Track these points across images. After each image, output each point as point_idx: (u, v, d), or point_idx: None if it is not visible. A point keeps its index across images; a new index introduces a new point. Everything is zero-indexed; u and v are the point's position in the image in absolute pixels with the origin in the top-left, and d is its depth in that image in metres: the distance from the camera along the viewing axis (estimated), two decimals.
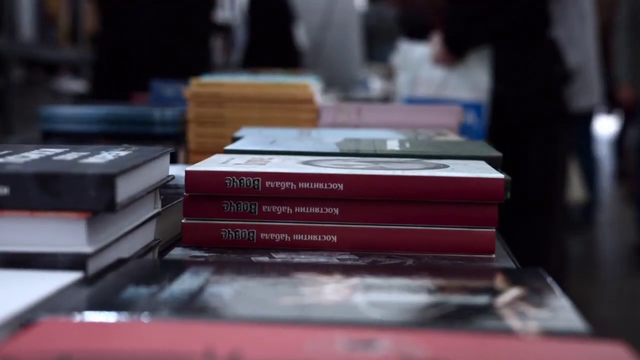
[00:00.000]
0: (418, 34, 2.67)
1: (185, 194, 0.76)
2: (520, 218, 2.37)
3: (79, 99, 3.92)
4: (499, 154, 0.86)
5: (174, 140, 1.43)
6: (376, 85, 4.30)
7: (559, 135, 2.56)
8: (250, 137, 1.01)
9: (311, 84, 1.37)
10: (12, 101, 3.16)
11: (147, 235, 0.72)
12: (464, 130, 2.25)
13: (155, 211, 0.74)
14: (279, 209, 0.75)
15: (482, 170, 0.75)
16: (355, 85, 4.50)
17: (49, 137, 1.44)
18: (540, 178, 2.45)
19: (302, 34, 5.46)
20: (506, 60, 2.34)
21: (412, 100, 2.27)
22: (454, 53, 2.30)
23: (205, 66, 3.00)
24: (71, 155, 0.68)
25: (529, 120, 2.38)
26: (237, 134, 1.09)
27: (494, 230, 0.73)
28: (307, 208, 0.75)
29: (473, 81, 2.32)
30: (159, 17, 2.99)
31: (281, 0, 5.41)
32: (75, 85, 3.88)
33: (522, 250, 2.41)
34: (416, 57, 2.35)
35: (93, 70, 3.36)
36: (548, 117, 2.43)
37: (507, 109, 2.33)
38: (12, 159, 0.65)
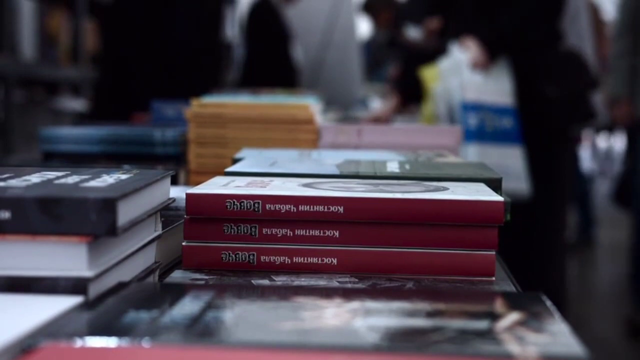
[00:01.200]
0: (415, 59, 2.69)
1: (185, 216, 0.76)
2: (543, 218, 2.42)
3: (79, 118, 3.93)
4: (498, 175, 0.86)
5: (175, 160, 1.43)
6: (376, 104, 4.31)
7: (576, 140, 2.63)
8: (250, 159, 1.02)
9: (311, 105, 1.37)
10: (13, 120, 3.17)
11: (147, 258, 0.72)
12: (501, 134, 2.29)
13: (155, 234, 0.74)
14: (279, 231, 0.76)
15: (482, 193, 0.75)
16: (355, 104, 4.51)
17: (50, 158, 1.44)
18: (567, 179, 2.52)
19: (299, 53, 5.48)
20: (547, 64, 2.40)
21: (466, 106, 2.29)
22: (491, 57, 2.33)
23: (210, 83, 3.01)
24: (72, 179, 0.68)
25: (567, 123, 2.45)
26: (238, 155, 1.09)
27: (493, 253, 0.74)
28: (308, 230, 0.75)
29: (503, 86, 2.35)
30: (163, 36, 3.00)
31: (278, 19, 5.43)
32: (75, 104, 3.89)
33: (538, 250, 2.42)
34: (461, 62, 2.37)
35: (94, 90, 3.38)
36: (581, 120, 2.51)
37: (549, 112, 2.39)
38: (13, 182, 0.65)
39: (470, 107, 2.30)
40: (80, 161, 1.42)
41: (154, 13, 3.03)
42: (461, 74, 2.32)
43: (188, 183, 1.34)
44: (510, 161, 2.34)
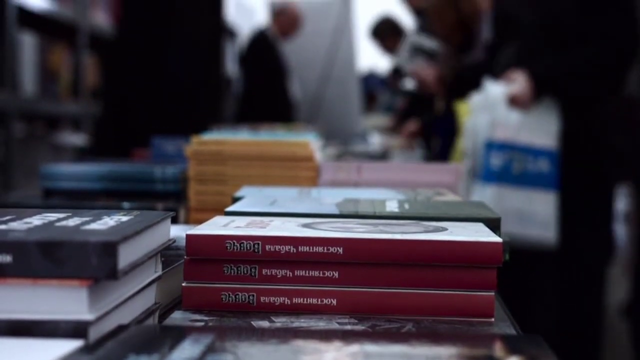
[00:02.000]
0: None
1: (185, 257, 0.77)
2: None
3: (80, 152, 3.94)
4: (497, 215, 0.87)
5: (175, 197, 1.44)
6: (375, 139, 4.33)
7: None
8: (250, 198, 1.02)
9: (311, 142, 1.38)
10: (13, 155, 3.18)
11: (147, 300, 0.72)
12: (533, 177, 2.20)
13: (155, 275, 0.74)
14: (279, 272, 0.76)
15: (481, 234, 0.76)
16: (354, 138, 4.53)
17: (50, 195, 1.44)
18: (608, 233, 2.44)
19: (296, 88, 5.51)
20: (610, 113, 2.29)
21: (491, 145, 2.22)
22: (538, 94, 2.22)
23: (210, 119, 3.03)
24: (73, 221, 0.69)
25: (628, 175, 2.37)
26: (238, 193, 1.10)
27: (492, 294, 0.74)
28: (307, 271, 0.76)
29: (547, 126, 2.24)
30: (163, 71, 3.02)
31: (275, 54, 5.47)
32: (76, 139, 3.90)
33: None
34: (494, 97, 2.26)
35: (95, 125, 3.40)
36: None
37: (609, 162, 2.29)
38: (15, 225, 0.66)
39: (497, 146, 2.21)
40: (80, 198, 1.43)
41: (154, 48, 3.06)
42: (494, 110, 2.22)
43: (188, 220, 1.35)
44: (540, 207, 2.23)
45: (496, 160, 2.22)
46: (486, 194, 2.18)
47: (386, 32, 6.04)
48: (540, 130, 2.23)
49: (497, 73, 2.42)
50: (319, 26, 6.06)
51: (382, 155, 2.67)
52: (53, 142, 3.78)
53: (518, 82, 2.23)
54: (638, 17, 2.27)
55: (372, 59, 8.01)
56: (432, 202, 0.99)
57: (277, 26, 5.62)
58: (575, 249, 2.31)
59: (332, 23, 6.03)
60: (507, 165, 2.21)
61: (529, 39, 2.37)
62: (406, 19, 5.83)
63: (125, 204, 1.32)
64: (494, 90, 2.24)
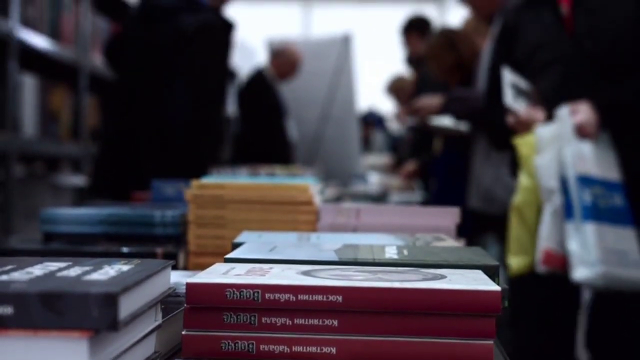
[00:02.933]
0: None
1: (185, 305, 0.77)
2: None
3: (79, 193, 3.95)
4: (495, 263, 0.87)
5: (175, 241, 1.44)
6: (374, 179, 4.34)
7: None
8: (250, 244, 1.03)
9: (310, 186, 1.39)
10: (13, 196, 3.19)
11: (147, 349, 0.72)
12: (615, 213, 2.05)
13: (155, 324, 0.74)
14: (279, 320, 0.76)
15: (479, 282, 0.76)
16: (353, 178, 4.54)
17: (51, 239, 1.45)
18: None
19: (293, 128, 5.53)
20: None
21: (584, 179, 2.06)
22: (604, 125, 2.11)
23: (211, 160, 3.05)
24: (74, 271, 0.69)
25: None
26: (238, 239, 1.10)
27: (491, 342, 0.74)
28: (307, 320, 0.76)
29: (609, 158, 2.13)
30: (163, 112, 3.04)
31: (273, 94, 5.50)
32: (76, 180, 3.91)
33: None
34: (566, 130, 2.12)
35: (94, 165, 3.41)
36: None
37: None
38: (16, 275, 0.66)
39: (586, 181, 2.07)
40: (81, 242, 1.43)
41: (155, 90, 3.09)
42: (572, 143, 2.09)
43: (187, 264, 1.35)
44: (627, 245, 2.08)
45: (587, 196, 2.08)
46: (587, 234, 2.05)
47: (400, 89, 6.16)
48: (607, 162, 2.12)
49: (543, 102, 2.32)
50: (319, 65, 6.10)
51: (382, 197, 2.68)
52: (53, 182, 3.79)
53: (583, 112, 2.12)
54: None
55: (372, 97, 8.07)
56: (431, 248, 1.00)
57: (275, 67, 5.66)
58: None
59: (333, 62, 6.07)
60: (595, 201, 2.08)
61: (575, 66, 2.27)
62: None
63: (125, 249, 1.33)
64: (567, 122, 2.12)
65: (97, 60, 4.11)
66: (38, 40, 3.39)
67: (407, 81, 6.19)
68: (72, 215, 1.46)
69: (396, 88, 6.30)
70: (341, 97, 6.06)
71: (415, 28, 4.88)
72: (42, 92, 3.52)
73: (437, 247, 1.01)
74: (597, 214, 2.06)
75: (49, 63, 3.67)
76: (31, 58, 3.43)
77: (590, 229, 2.05)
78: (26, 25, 3.31)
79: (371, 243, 1.04)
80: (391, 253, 0.94)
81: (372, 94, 7.84)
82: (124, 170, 3.11)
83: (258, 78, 5.65)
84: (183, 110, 3.01)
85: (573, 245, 2.05)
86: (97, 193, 3.44)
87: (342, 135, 6.03)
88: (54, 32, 3.60)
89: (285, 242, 1.06)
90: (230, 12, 3.45)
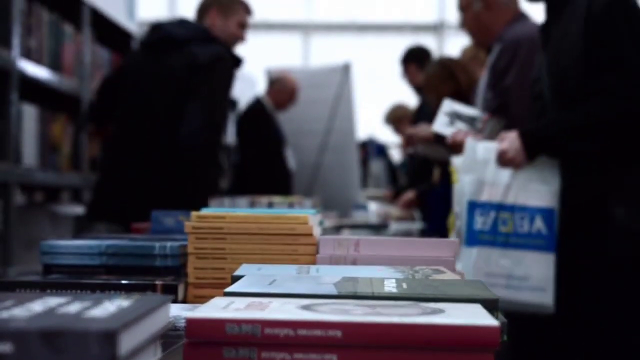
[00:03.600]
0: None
1: (185, 340, 0.77)
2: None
3: (78, 222, 3.95)
4: (495, 296, 0.87)
5: (175, 272, 1.44)
6: (373, 208, 4.35)
7: None
8: (249, 277, 1.03)
9: (310, 217, 1.39)
10: (12, 226, 3.19)
11: None
12: (530, 239, 2.11)
13: (155, 359, 0.74)
14: (278, 355, 0.76)
15: (478, 317, 0.76)
16: (353, 208, 4.54)
17: (50, 271, 1.45)
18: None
19: (292, 157, 5.54)
20: (630, 185, 2.20)
21: (474, 204, 2.15)
22: (532, 153, 2.18)
23: (211, 189, 3.06)
24: (74, 307, 0.69)
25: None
26: (237, 272, 1.10)
27: None
28: (306, 354, 0.76)
29: (544, 186, 2.19)
30: (164, 141, 3.06)
31: (271, 124, 5.51)
32: (76, 209, 3.91)
33: None
34: (481, 157, 2.23)
35: (92, 192, 3.43)
36: None
37: (626, 242, 2.16)
38: (16, 312, 0.67)
39: (481, 207, 2.17)
40: (80, 274, 1.43)
41: (165, 117, 3.12)
42: (483, 170, 2.18)
43: (187, 296, 1.35)
44: (535, 270, 2.16)
45: (480, 222, 2.18)
46: (472, 257, 2.14)
47: (399, 118, 6.20)
48: (538, 189, 2.19)
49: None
50: (319, 94, 6.13)
51: (382, 226, 2.68)
52: (52, 211, 3.79)
53: (508, 140, 2.22)
54: None
55: (372, 126, 8.09)
56: (430, 282, 1.00)
57: (272, 96, 5.68)
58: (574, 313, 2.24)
59: (332, 91, 6.10)
60: (494, 227, 2.17)
61: (545, 101, 2.36)
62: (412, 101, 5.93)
63: (125, 281, 1.33)
64: (481, 150, 2.22)
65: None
66: (39, 71, 3.41)
67: (406, 111, 6.23)
68: (72, 247, 1.46)
69: (394, 118, 6.34)
70: (340, 126, 6.07)
71: (414, 59, 4.91)
72: (42, 122, 3.53)
73: (436, 280, 1.02)
74: (490, 239, 2.14)
75: (50, 93, 3.69)
76: (32, 88, 3.44)
77: (473, 253, 2.14)
78: (27, 55, 3.33)
79: (370, 276, 1.05)
80: (390, 286, 0.94)
81: (371, 122, 7.86)
82: (126, 196, 3.12)
83: (257, 107, 5.67)
84: (193, 136, 3.06)
85: (459, 267, 2.10)
86: (94, 218, 3.46)
87: (342, 164, 6.04)
88: (54, 63, 3.62)
89: (285, 275, 1.06)
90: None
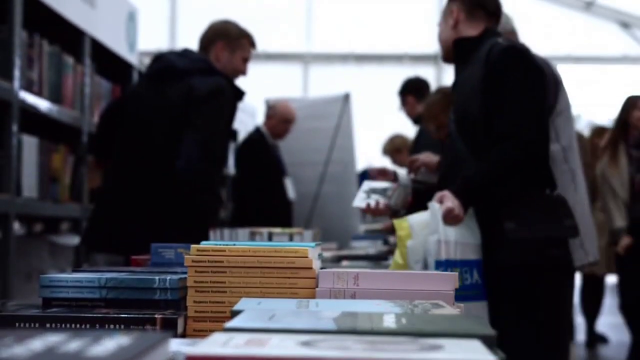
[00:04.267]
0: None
1: None
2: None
3: (77, 252, 3.95)
4: (493, 332, 0.88)
5: (174, 305, 1.44)
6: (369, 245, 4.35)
7: (563, 285, 2.59)
8: (249, 312, 1.03)
9: (310, 250, 1.40)
10: (11, 258, 3.19)
11: None
12: (466, 290, 2.22)
13: None
14: None
15: (476, 353, 0.76)
16: (353, 238, 4.54)
17: (50, 304, 1.45)
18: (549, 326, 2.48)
19: (291, 187, 5.54)
20: (519, 204, 2.41)
21: (439, 263, 2.23)
22: (466, 207, 2.33)
23: (210, 220, 3.06)
24: (74, 345, 0.70)
25: (537, 265, 2.43)
26: (237, 306, 1.10)
27: None
28: None
29: (472, 239, 2.34)
30: (165, 171, 3.06)
31: (270, 153, 5.52)
32: (75, 240, 3.91)
33: None
34: (439, 218, 2.34)
35: (88, 221, 3.43)
36: (556, 265, 2.48)
37: (516, 250, 2.37)
38: (17, 350, 0.67)
39: (443, 264, 2.26)
40: (80, 307, 1.43)
41: (164, 145, 3.13)
42: (441, 230, 2.30)
43: (186, 330, 1.35)
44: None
45: None
46: None
47: (397, 149, 6.23)
48: (472, 243, 2.34)
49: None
50: (319, 124, 6.15)
51: (382, 257, 2.68)
52: (52, 242, 3.79)
53: (448, 199, 2.34)
54: (543, 112, 2.46)
55: (369, 156, 8.11)
56: (429, 317, 1.00)
57: (268, 126, 5.71)
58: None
59: (332, 121, 6.11)
60: None
61: (452, 134, 2.60)
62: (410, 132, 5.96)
63: (124, 314, 1.33)
64: (436, 214, 2.32)
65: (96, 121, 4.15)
66: (39, 102, 3.42)
67: (405, 141, 6.24)
68: (72, 280, 1.46)
69: (393, 148, 6.36)
70: (340, 156, 6.08)
71: (413, 91, 4.93)
72: (42, 153, 3.54)
73: (435, 316, 1.02)
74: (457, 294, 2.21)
75: (50, 124, 3.70)
76: (32, 120, 3.46)
77: None
78: (28, 87, 3.35)
79: (370, 310, 1.05)
80: (389, 322, 0.94)
81: (370, 152, 7.88)
82: (124, 227, 3.11)
83: (256, 137, 5.70)
84: (189, 167, 3.06)
85: None
86: (93, 249, 3.46)
87: (341, 195, 6.04)
88: (55, 94, 3.63)
89: (285, 310, 1.06)
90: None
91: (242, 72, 3.50)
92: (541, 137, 2.41)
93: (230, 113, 3.28)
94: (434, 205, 2.32)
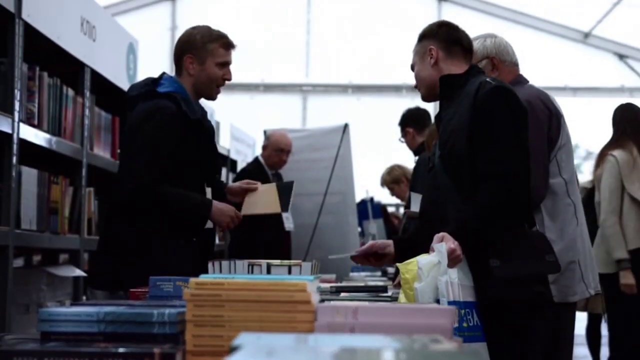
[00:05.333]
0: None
1: None
2: None
3: (75, 284, 3.94)
4: None
5: (173, 339, 1.44)
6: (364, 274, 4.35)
7: (557, 319, 2.60)
8: (248, 348, 1.03)
9: (308, 284, 1.40)
10: (10, 290, 3.18)
11: None
12: (470, 331, 2.23)
13: None
14: None
15: None
16: (353, 269, 4.53)
17: (48, 338, 1.45)
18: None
19: (290, 219, 5.54)
20: (502, 242, 2.43)
21: (450, 303, 2.24)
22: (463, 248, 2.34)
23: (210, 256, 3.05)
24: None
25: (525, 301, 2.44)
26: (236, 341, 1.10)
27: None
28: None
29: (467, 281, 2.36)
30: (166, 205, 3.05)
31: (267, 181, 5.52)
32: (74, 271, 3.91)
33: None
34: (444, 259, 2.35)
35: (91, 257, 3.42)
36: (542, 300, 2.49)
37: (503, 287, 2.38)
38: None
39: (452, 305, 2.25)
40: (78, 341, 1.43)
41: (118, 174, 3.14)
42: (446, 273, 2.28)
43: None
44: None
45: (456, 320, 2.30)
46: None
47: (396, 180, 6.24)
48: (467, 286, 2.34)
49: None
50: (318, 155, 6.15)
51: (381, 289, 2.67)
52: (50, 274, 3.79)
53: (449, 239, 2.33)
54: (527, 151, 2.48)
55: (367, 186, 8.12)
56: (427, 353, 1.00)
57: (265, 156, 5.72)
58: None
59: (331, 152, 6.12)
60: (460, 324, 2.27)
61: (436, 169, 2.64)
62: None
63: (123, 349, 1.33)
64: (444, 252, 2.31)
65: (97, 154, 4.16)
66: (39, 135, 3.43)
67: (404, 171, 6.24)
68: (70, 314, 1.46)
69: (392, 179, 6.36)
70: (339, 187, 6.09)
71: (413, 122, 4.93)
72: (42, 185, 3.54)
73: (434, 352, 1.02)
74: (460, 335, 2.20)
75: (50, 156, 3.71)
76: (32, 152, 3.47)
77: None
78: (28, 119, 3.36)
79: (368, 346, 1.05)
80: (388, 358, 0.94)
81: (368, 183, 7.89)
82: (121, 266, 3.07)
83: (253, 166, 5.71)
84: (121, 192, 3.03)
85: None
86: (93, 284, 3.44)
87: (341, 226, 6.04)
88: (55, 126, 3.64)
89: (283, 345, 1.06)
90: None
91: (220, 78, 3.17)
92: (526, 177, 2.46)
93: (170, 133, 3.01)
94: (441, 246, 2.30)
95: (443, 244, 2.31)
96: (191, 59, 3.15)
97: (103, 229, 3.30)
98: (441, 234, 2.37)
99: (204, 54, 3.14)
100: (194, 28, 3.24)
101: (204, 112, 3.28)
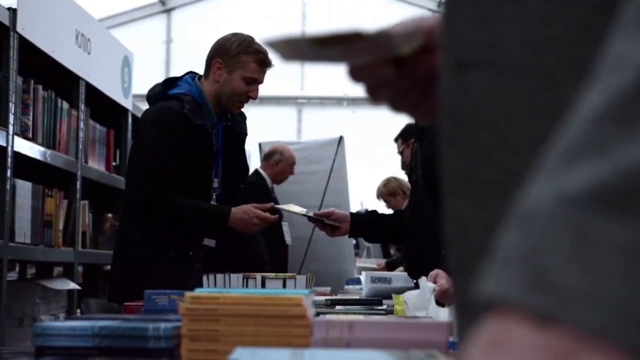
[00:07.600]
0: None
1: None
2: None
3: (69, 297, 3.93)
4: None
5: (168, 354, 1.43)
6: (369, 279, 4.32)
7: None
8: None
9: (304, 298, 1.40)
10: (2, 303, 3.17)
11: None
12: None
13: None
14: None
15: None
16: (348, 282, 4.53)
17: (43, 353, 1.44)
18: None
19: (288, 232, 5.54)
20: None
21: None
22: None
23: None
24: None
25: None
26: (231, 356, 1.10)
27: None
28: None
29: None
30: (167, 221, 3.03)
31: (271, 197, 5.52)
32: (67, 284, 3.90)
33: None
34: (428, 297, 2.30)
35: (87, 269, 3.41)
36: None
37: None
38: None
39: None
40: (73, 355, 1.43)
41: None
42: (429, 308, 2.25)
43: None
44: None
45: None
46: None
47: (392, 192, 6.25)
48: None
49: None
50: (313, 168, 6.16)
51: (377, 302, 2.67)
52: (44, 287, 3.78)
53: (442, 278, 2.31)
54: None
55: (362, 199, 8.12)
56: None
57: (268, 169, 5.72)
58: None
59: (326, 165, 6.12)
60: None
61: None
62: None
63: None
64: (428, 289, 2.28)
65: (92, 166, 4.16)
66: (34, 147, 3.43)
67: (401, 183, 6.25)
68: (65, 328, 1.46)
69: (387, 192, 6.37)
70: (334, 199, 6.09)
71: (409, 137, 4.94)
72: (36, 198, 3.54)
73: None
74: None
75: (44, 169, 3.71)
76: (26, 164, 3.47)
77: None
78: (22, 132, 3.36)
79: None
80: None
81: (363, 195, 7.90)
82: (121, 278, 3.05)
83: (257, 179, 5.71)
84: (129, 201, 3.00)
85: None
86: (89, 296, 3.44)
87: (335, 238, 6.02)
88: (50, 139, 3.64)
89: None
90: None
91: (244, 93, 3.00)
92: None
93: (174, 137, 2.89)
94: (426, 284, 2.27)
95: (428, 282, 2.29)
96: (220, 64, 2.99)
97: (117, 241, 3.23)
98: (435, 271, 2.35)
99: (234, 63, 2.99)
100: (235, 34, 3.11)
101: (222, 120, 3.13)
